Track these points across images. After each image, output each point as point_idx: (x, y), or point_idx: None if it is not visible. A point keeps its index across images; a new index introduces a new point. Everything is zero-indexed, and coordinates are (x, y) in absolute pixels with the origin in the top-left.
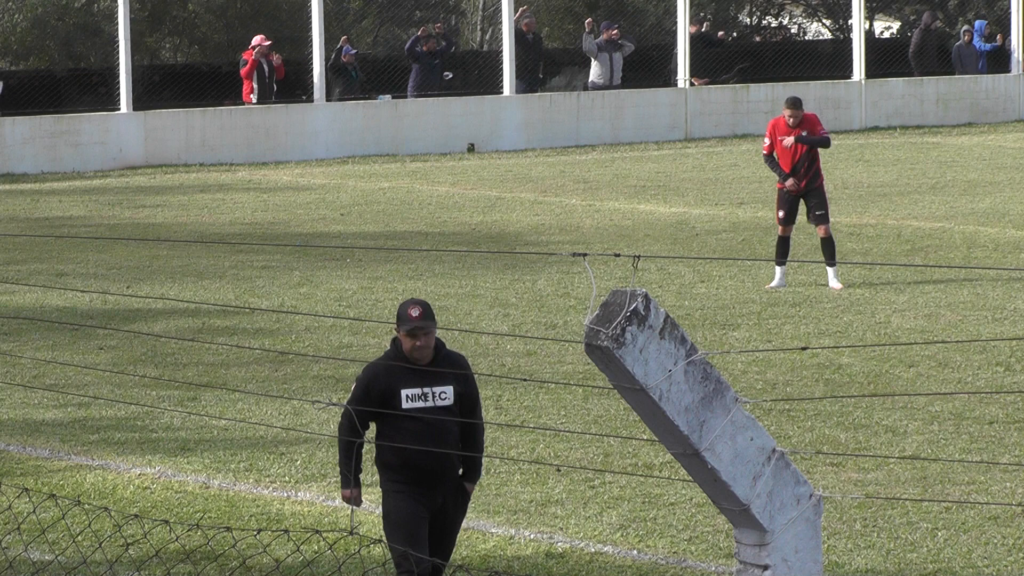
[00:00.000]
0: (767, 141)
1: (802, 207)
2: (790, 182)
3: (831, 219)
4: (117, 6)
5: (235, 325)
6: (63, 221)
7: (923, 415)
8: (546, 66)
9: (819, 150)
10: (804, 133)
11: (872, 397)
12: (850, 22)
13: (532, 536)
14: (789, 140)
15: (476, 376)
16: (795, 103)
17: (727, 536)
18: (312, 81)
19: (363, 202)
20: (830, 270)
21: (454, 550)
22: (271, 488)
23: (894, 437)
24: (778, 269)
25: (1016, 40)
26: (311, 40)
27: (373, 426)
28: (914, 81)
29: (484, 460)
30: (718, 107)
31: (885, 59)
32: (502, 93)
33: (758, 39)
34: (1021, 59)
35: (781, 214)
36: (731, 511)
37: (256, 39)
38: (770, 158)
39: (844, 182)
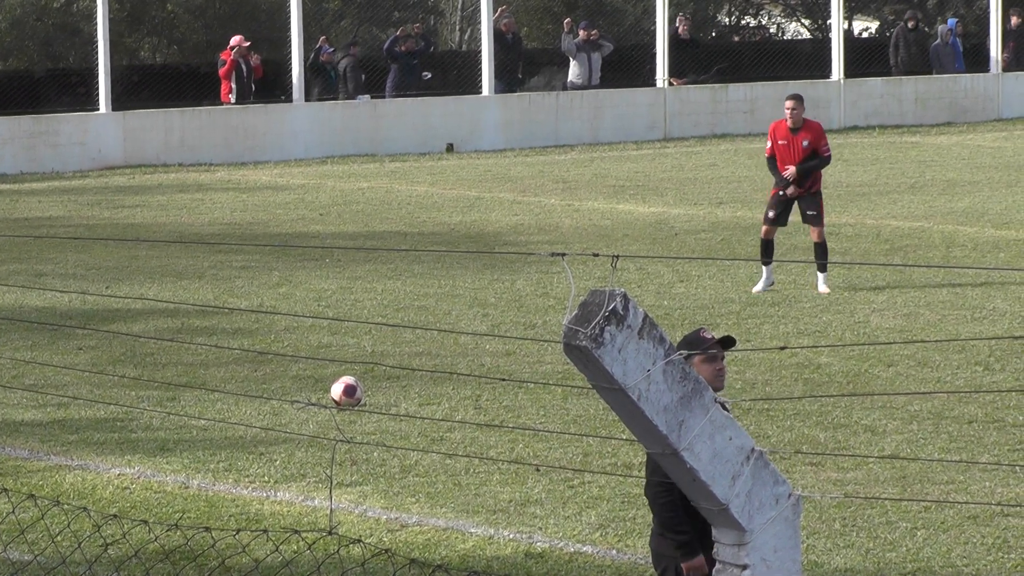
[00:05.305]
0: (768, 143)
1: (795, 209)
2: (791, 190)
3: (825, 224)
4: (96, 6)
5: (214, 325)
6: (42, 221)
7: (902, 414)
8: (525, 66)
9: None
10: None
11: (851, 396)
12: (829, 22)
13: (511, 536)
14: (789, 172)
15: (455, 376)
16: (797, 96)
17: None
18: (291, 81)
19: (342, 202)
20: (820, 275)
21: (434, 549)
22: (250, 488)
23: (873, 436)
24: (765, 269)
25: (994, 39)
26: (290, 40)
27: None
28: (893, 81)
29: (463, 460)
30: (697, 107)
31: (864, 59)
32: (481, 93)
33: (737, 39)
34: (999, 58)
35: (771, 214)
36: (710, 511)
37: (235, 39)
38: (770, 161)
39: (823, 182)
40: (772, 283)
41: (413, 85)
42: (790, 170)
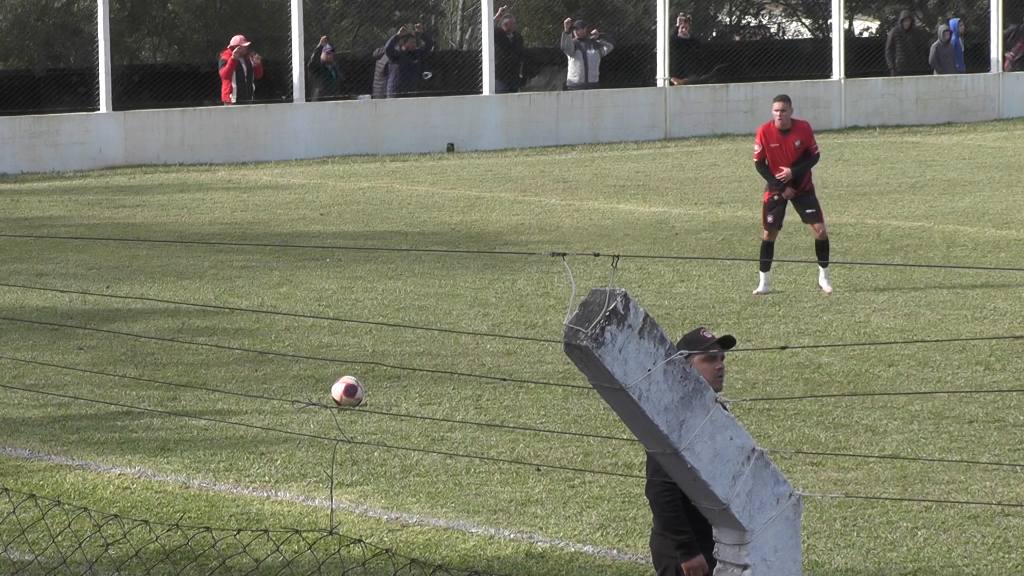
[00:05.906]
0: (757, 148)
1: (792, 209)
2: (787, 191)
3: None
4: (97, 6)
5: (215, 325)
6: (43, 221)
7: (903, 414)
8: (526, 66)
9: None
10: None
11: (852, 396)
12: (829, 21)
13: (512, 536)
14: (784, 173)
15: (456, 376)
16: (784, 98)
17: None
18: (291, 81)
19: (343, 202)
20: (822, 271)
21: (434, 549)
22: (251, 488)
23: (874, 436)
24: (763, 275)
25: (995, 39)
26: (290, 40)
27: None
28: (893, 80)
29: (463, 460)
30: (697, 107)
31: (864, 58)
32: (482, 93)
33: (737, 39)
34: (1000, 58)
35: (769, 219)
36: (711, 510)
37: (235, 39)
38: (761, 165)
39: (823, 182)
40: (769, 292)
41: (414, 85)
42: (785, 171)
